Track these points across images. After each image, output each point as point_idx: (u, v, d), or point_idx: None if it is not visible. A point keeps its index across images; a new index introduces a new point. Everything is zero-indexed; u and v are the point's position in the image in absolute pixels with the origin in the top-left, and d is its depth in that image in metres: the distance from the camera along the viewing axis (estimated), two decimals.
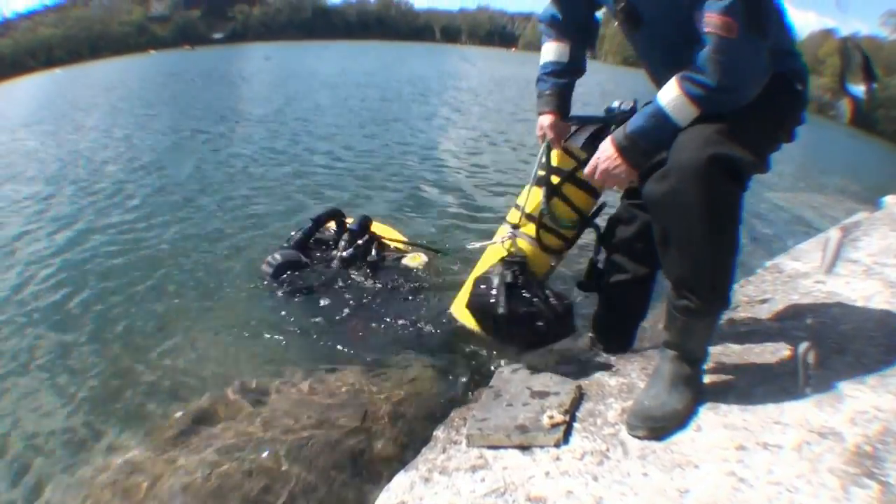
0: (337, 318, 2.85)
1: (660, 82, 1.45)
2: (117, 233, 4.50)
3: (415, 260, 3.34)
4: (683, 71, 1.33)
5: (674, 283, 1.43)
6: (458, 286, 3.16)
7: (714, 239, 1.33)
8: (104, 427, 2.31)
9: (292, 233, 3.39)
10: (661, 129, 1.37)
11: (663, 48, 1.50)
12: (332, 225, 3.52)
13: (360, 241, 3.22)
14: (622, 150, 1.43)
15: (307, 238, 3.33)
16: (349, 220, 3.49)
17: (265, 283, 3.16)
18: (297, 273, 3.13)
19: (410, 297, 3.01)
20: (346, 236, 3.25)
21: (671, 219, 1.35)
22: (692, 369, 1.48)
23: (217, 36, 59.90)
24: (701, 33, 1.28)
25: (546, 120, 1.85)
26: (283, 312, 2.94)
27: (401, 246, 3.54)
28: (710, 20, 1.25)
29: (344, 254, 3.17)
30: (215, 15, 62.61)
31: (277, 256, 3.18)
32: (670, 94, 1.35)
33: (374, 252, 3.25)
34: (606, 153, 1.46)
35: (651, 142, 1.40)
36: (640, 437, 1.37)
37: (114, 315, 3.16)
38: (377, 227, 3.55)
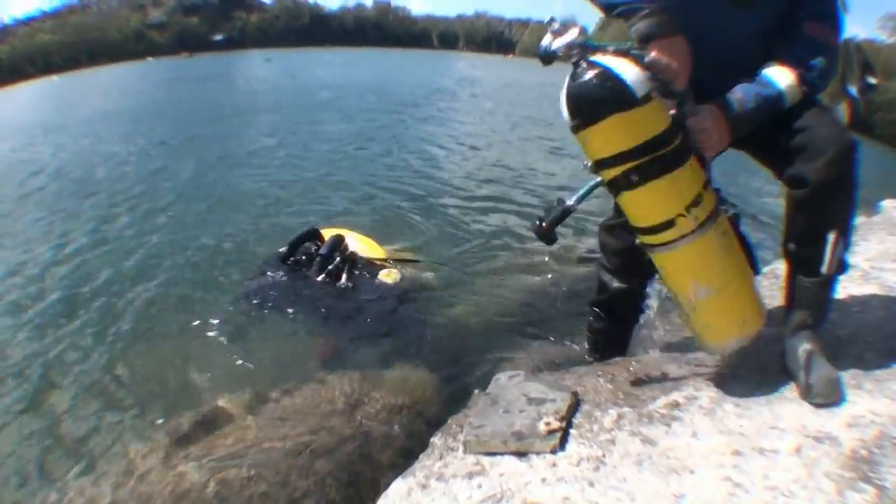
0: (330, 329, 2.87)
1: (729, 71, 1.47)
2: (118, 241, 4.53)
3: (389, 276, 3.36)
4: (800, 68, 1.44)
5: (819, 259, 1.50)
6: (438, 296, 3.20)
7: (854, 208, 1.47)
8: (104, 433, 2.32)
9: (280, 250, 3.48)
10: (770, 111, 1.45)
11: (760, 35, 1.50)
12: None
13: (330, 267, 3.26)
14: (735, 125, 1.44)
15: (283, 261, 3.42)
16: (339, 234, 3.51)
17: (268, 270, 3.33)
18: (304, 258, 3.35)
19: (395, 310, 3.07)
20: (317, 261, 3.30)
21: (836, 199, 1.42)
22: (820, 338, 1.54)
23: (217, 38, 59.74)
24: (799, 35, 1.45)
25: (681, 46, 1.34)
26: (279, 323, 2.95)
27: (377, 261, 3.54)
28: (821, 31, 1.45)
29: (318, 279, 3.23)
30: (213, 22, 62.71)
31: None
32: (788, 82, 1.44)
33: (344, 277, 3.26)
34: (715, 121, 1.41)
35: (759, 120, 1.45)
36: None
37: (113, 323, 3.17)
38: (361, 241, 3.59)
